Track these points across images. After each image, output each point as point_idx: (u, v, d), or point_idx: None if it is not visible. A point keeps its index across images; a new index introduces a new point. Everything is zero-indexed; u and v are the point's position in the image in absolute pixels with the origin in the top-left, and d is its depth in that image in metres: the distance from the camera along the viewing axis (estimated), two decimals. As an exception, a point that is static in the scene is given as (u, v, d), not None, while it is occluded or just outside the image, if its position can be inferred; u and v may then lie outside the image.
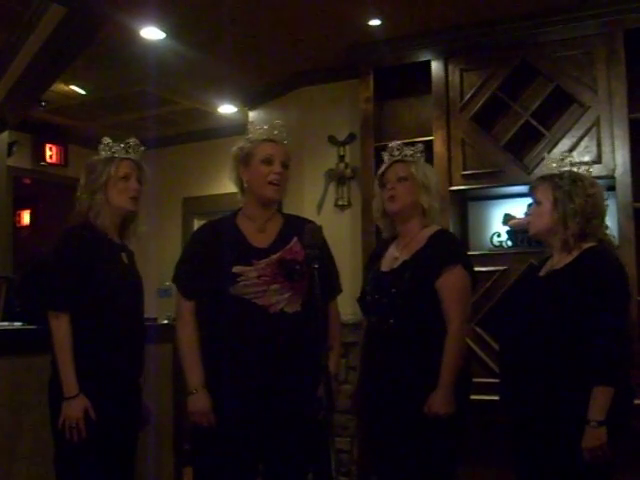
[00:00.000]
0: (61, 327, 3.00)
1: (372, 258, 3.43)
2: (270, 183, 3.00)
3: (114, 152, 3.20)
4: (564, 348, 2.80)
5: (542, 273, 3.03)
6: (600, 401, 2.72)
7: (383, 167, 3.30)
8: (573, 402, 2.76)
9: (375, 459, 3.34)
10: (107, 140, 3.23)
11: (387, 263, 3.25)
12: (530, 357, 2.86)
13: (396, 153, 3.26)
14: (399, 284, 3.10)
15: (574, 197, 2.93)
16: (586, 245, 2.91)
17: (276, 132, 3.08)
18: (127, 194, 3.18)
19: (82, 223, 3.14)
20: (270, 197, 3.04)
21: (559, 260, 2.96)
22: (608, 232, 3.04)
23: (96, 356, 3.03)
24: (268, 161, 3.01)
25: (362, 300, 3.31)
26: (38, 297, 3.26)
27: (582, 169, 3.06)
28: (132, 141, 3.25)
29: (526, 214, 3.16)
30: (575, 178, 2.99)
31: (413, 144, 3.31)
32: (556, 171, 3.04)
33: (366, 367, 3.22)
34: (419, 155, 3.28)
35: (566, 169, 3.04)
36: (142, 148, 3.29)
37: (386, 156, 3.32)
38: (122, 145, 3.22)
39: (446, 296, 3.08)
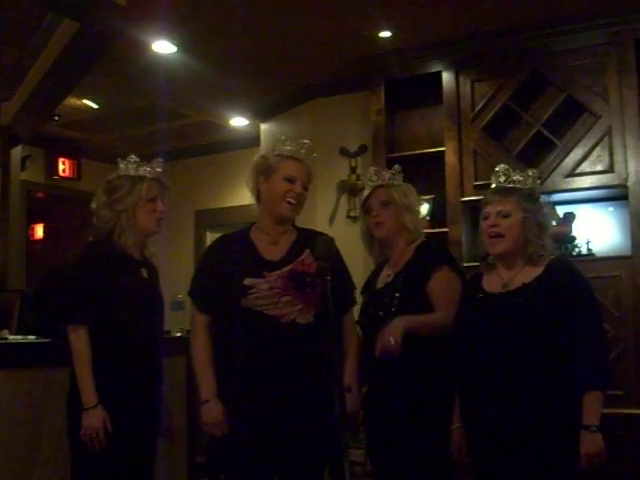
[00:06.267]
0: (79, 340, 3.03)
1: (368, 282, 3.42)
2: (287, 202, 3.03)
3: (138, 171, 3.23)
4: (548, 358, 2.77)
5: (494, 289, 2.95)
6: (594, 406, 2.72)
7: (365, 193, 3.35)
8: (564, 412, 2.74)
9: (376, 468, 3.30)
10: (133, 158, 3.25)
11: (381, 281, 3.27)
12: (512, 370, 2.79)
13: (374, 178, 3.32)
14: (392, 294, 3.12)
15: (543, 212, 2.97)
16: (548, 257, 2.92)
17: (303, 151, 3.11)
18: (154, 216, 3.23)
19: (103, 239, 3.19)
20: (284, 215, 3.07)
21: (517, 274, 2.92)
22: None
23: (113, 369, 3.05)
24: (290, 180, 3.03)
25: (360, 320, 3.28)
26: (57, 311, 3.28)
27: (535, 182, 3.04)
28: (156, 161, 3.29)
29: (486, 229, 3.03)
30: (538, 195, 3.03)
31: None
32: (518, 186, 2.99)
33: (365, 380, 3.20)
34: (398, 176, 3.33)
35: (530, 185, 3.02)
36: (161, 160, 3.33)
37: (366, 182, 3.37)
38: (147, 167, 3.25)
39: (437, 297, 3.09)
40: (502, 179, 3.03)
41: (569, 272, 2.88)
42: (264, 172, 3.08)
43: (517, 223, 2.92)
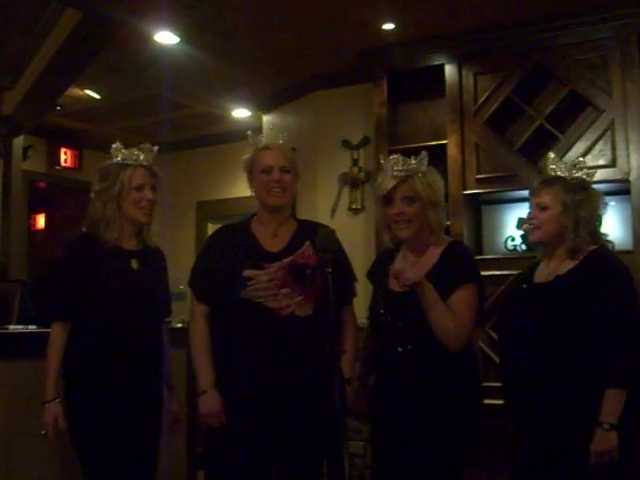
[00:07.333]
0: (53, 336, 3.02)
1: (377, 269, 3.24)
2: (270, 191, 3.02)
3: (125, 158, 3.14)
4: (575, 352, 2.76)
5: (539, 279, 2.97)
6: (613, 404, 2.68)
7: (387, 185, 3.03)
8: (585, 406, 2.72)
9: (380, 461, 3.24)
10: (117, 145, 3.17)
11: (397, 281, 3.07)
12: (540, 362, 2.81)
13: (400, 169, 3.03)
14: (416, 309, 2.92)
15: (585, 205, 2.90)
16: (588, 249, 2.88)
17: (280, 140, 3.10)
18: (141, 205, 3.13)
19: (88, 232, 3.14)
20: (272, 204, 3.05)
21: (559, 265, 2.91)
22: (604, 237, 2.97)
23: (100, 364, 3.00)
24: (267, 170, 3.03)
25: (373, 319, 3.16)
26: (42, 306, 3.26)
27: (583, 172, 3.00)
28: (144, 146, 3.19)
29: (528, 218, 3.02)
30: (585, 186, 2.95)
31: (416, 154, 3.08)
32: (565, 175, 2.97)
33: (380, 387, 3.13)
34: (423, 165, 3.07)
35: (577, 175, 2.97)
36: (155, 148, 3.22)
37: (387, 167, 3.06)
38: (135, 151, 3.15)
39: (453, 309, 2.92)
40: (550, 168, 3.01)
41: (604, 265, 2.84)
42: (249, 169, 3.10)
43: (553, 217, 2.90)
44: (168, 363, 3.29)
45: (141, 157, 3.16)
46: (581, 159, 3.10)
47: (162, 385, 3.20)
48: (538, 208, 2.95)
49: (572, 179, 2.95)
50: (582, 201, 2.90)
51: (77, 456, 3.03)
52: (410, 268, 3.00)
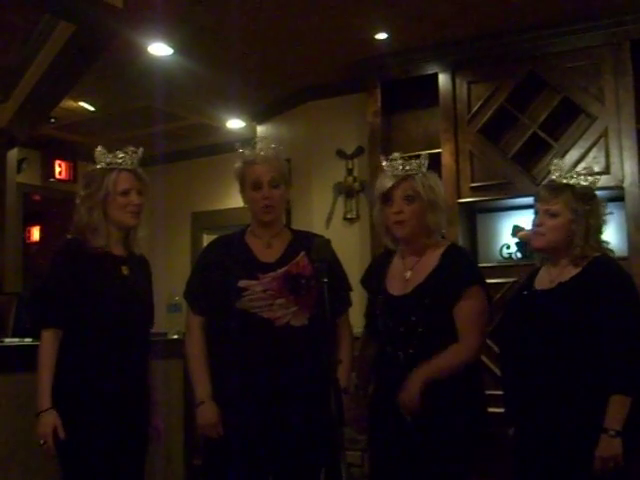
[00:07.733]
0: (44, 343, 2.94)
1: (373, 274, 3.22)
2: (261, 208, 3.00)
3: (109, 163, 3.09)
4: (579, 358, 2.75)
5: (540, 286, 2.95)
6: (617, 410, 2.67)
7: (387, 183, 3.03)
8: (588, 412, 2.71)
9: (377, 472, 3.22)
10: (100, 149, 3.12)
11: (397, 285, 3.06)
12: (543, 370, 2.79)
13: (400, 168, 3.03)
14: (418, 312, 2.92)
15: (594, 213, 2.89)
16: (592, 255, 2.87)
17: (262, 153, 3.04)
18: (128, 210, 3.07)
19: (75, 238, 3.07)
20: (264, 220, 3.04)
21: (561, 272, 2.90)
22: (606, 245, 2.95)
23: (91, 374, 2.94)
24: (256, 186, 3.00)
25: (371, 326, 3.15)
26: (31, 315, 3.20)
27: (590, 181, 2.99)
28: (129, 149, 3.13)
29: (534, 225, 2.99)
30: (593, 194, 2.93)
31: (417, 156, 3.08)
32: (573, 183, 2.94)
33: (379, 395, 3.12)
34: (424, 167, 3.07)
35: (585, 183, 2.95)
36: (140, 150, 3.15)
37: (387, 167, 3.07)
38: (119, 154, 3.09)
39: (463, 322, 2.91)
40: (556, 175, 2.98)
41: (607, 271, 2.83)
42: (239, 182, 3.08)
43: (562, 224, 2.87)
44: (152, 375, 3.22)
45: (126, 161, 3.11)
46: (584, 166, 3.09)
47: (149, 397, 3.15)
48: (547, 215, 2.91)
49: (580, 187, 2.93)
50: (591, 210, 2.89)
51: (60, 467, 2.97)
52: (410, 271, 3.03)
